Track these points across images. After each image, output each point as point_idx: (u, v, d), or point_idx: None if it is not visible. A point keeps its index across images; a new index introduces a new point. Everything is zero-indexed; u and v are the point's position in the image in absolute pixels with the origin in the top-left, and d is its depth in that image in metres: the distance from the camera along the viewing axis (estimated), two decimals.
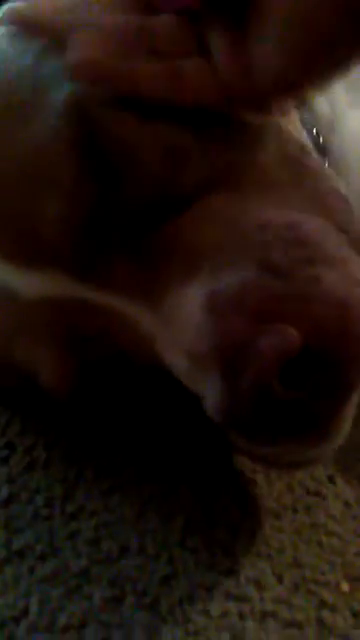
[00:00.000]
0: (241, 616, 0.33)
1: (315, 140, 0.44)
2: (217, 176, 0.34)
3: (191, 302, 0.31)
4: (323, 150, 0.44)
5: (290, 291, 0.30)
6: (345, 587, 0.36)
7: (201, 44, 0.35)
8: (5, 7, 0.42)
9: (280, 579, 0.36)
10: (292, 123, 0.41)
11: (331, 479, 0.44)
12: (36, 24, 0.37)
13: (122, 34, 0.35)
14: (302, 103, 0.38)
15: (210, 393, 0.31)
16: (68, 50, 0.34)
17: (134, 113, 0.34)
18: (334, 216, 0.34)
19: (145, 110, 0.34)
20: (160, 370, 0.34)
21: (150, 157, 0.34)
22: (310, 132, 0.44)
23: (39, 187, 0.33)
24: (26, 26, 0.38)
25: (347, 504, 0.42)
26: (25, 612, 0.32)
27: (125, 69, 0.34)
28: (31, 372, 0.36)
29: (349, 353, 0.30)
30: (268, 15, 0.32)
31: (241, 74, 0.34)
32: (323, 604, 0.35)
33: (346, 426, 0.33)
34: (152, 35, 0.35)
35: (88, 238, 0.33)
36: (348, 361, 0.30)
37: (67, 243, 0.33)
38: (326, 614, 0.34)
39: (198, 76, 0.35)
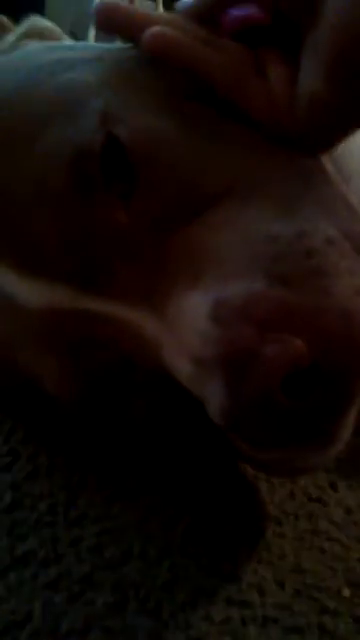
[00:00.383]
0: (243, 622, 0.33)
1: None
2: (231, 184, 0.35)
3: (197, 308, 0.32)
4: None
5: (297, 302, 0.31)
6: (346, 593, 0.36)
7: (258, 69, 0.37)
8: (28, 23, 0.45)
9: (282, 585, 0.36)
10: None
11: (333, 486, 0.44)
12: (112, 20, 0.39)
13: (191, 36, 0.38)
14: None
15: (214, 398, 0.31)
16: (143, 34, 0.37)
17: (161, 122, 0.35)
18: (340, 222, 0.35)
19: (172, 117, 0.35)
20: (164, 376, 0.34)
21: (171, 167, 0.34)
22: None
23: (42, 197, 0.34)
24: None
25: (349, 510, 0.42)
26: (29, 617, 0.32)
27: (195, 45, 0.37)
28: (35, 380, 0.36)
29: (352, 366, 0.30)
30: (318, 45, 0.34)
31: (289, 101, 0.36)
32: (325, 610, 0.35)
33: (346, 434, 0.34)
34: (218, 48, 0.37)
35: (91, 248, 0.34)
36: (350, 373, 0.31)
37: (68, 254, 0.34)
38: (327, 620, 0.34)
39: (255, 90, 0.37)
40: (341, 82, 0.35)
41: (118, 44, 0.42)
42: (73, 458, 0.41)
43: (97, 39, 2.17)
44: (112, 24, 0.39)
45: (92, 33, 2.14)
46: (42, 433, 0.43)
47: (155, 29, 0.37)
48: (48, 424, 0.41)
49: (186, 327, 0.32)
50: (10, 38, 0.45)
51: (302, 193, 0.36)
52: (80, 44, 0.44)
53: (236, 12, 0.37)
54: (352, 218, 0.36)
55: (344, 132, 0.38)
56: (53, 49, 0.41)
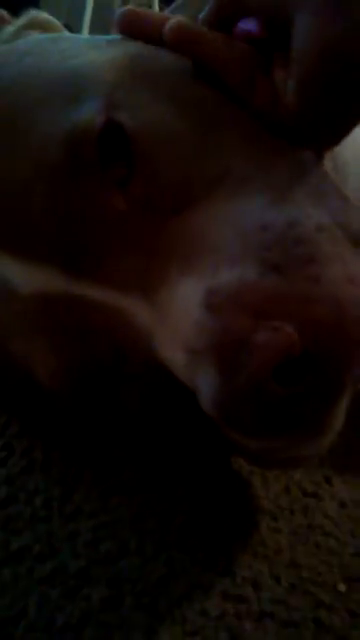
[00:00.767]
0: (238, 616, 0.33)
1: None
2: (228, 172, 0.35)
3: (190, 298, 0.32)
4: None
5: (288, 290, 0.31)
6: (342, 587, 0.36)
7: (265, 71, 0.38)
8: (28, 15, 0.45)
9: (277, 580, 0.36)
10: None
11: (328, 480, 0.44)
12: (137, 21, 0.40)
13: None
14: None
15: (206, 388, 0.31)
16: (165, 27, 0.38)
17: (165, 109, 0.35)
18: (333, 212, 0.35)
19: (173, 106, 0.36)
20: (156, 367, 0.34)
21: (171, 154, 0.34)
22: None
23: (39, 180, 0.33)
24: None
25: (343, 505, 0.43)
26: (24, 612, 0.32)
27: (210, 38, 0.38)
28: (27, 369, 0.36)
29: (343, 354, 0.31)
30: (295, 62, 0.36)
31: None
32: (320, 604, 0.35)
33: (337, 423, 0.34)
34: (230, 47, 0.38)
35: (85, 233, 0.33)
36: (342, 361, 0.31)
37: (63, 238, 0.33)
38: (323, 614, 0.35)
39: (262, 87, 0.38)
40: (309, 101, 0.36)
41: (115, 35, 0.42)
42: (68, 452, 0.41)
43: (92, 31, 2.17)
44: (134, 29, 0.40)
45: (86, 25, 2.14)
46: (37, 427, 0.42)
47: (176, 21, 0.38)
48: (43, 418, 0.41)
49: (179, 316, 0.32)
50: (10, 29, 0.45)
51: (296, 183, 0.36)
52: (85, 36, 0.44)
53: (243, 25, 0.38)
54: (345, 208, 0.36)
55: (325, 140, 0.39)
56: (57, 39, 0.41)
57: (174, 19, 0.39)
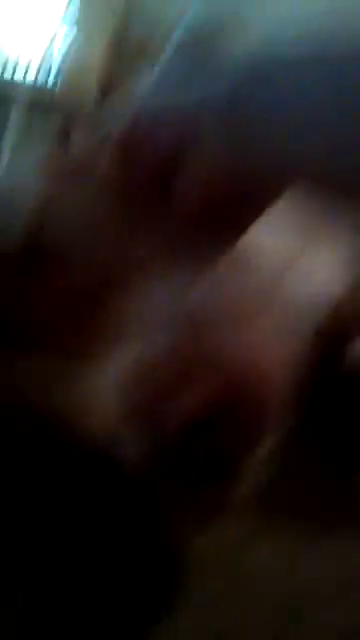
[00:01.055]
0: None
1: None
2: (145, 263, 0.38)
3: (111, 372, 0.34)
4: None
5: (199, 357, 0.33)
6: None
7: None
8: None
9: None
10: None
11: (256, 531, 0.43)
12: None
13: None
14: None
15: (131, 446, 0.33)
16: None
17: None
18: None
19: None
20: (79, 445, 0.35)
21: (85, 254, 0.37)
22: None
23: None
24: None
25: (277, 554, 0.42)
26: None
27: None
28: None
29: (245, 416, 0.33)
30: None
31: None
32: None
33: (251, 476, 0.35)
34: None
35: (23, 318, 0.36)
36: (246, 423, 0.33)
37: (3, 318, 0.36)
38: None
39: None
40: None
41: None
42: None
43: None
44: None
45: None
46: None
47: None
48: None
49: (102, 389, 0.34)
50: None
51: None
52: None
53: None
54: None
55: None
56: None
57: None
